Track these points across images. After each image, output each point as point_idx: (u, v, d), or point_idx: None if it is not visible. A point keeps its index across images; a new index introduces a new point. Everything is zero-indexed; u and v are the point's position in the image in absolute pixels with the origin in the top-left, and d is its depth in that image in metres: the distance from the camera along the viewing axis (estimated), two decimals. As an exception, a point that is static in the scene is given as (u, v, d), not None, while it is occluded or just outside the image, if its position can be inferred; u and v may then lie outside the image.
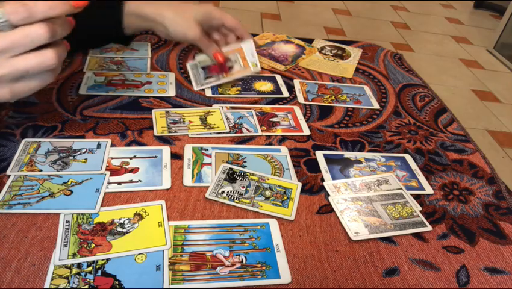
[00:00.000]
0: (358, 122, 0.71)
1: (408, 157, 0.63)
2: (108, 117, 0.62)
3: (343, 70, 0.86)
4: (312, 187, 0.55)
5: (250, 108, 0.69)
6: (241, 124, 0.65)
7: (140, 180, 0.52)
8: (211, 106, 0.68)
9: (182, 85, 0.73)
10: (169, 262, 0.43)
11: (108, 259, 0.42)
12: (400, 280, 0.45)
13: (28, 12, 0.42)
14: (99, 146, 0.56)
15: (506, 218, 0.55)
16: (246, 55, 0.76)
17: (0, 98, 0.45)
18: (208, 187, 0.52)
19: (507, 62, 2.03)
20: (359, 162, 0.61)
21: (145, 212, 0.48)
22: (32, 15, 0.42)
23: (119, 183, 0.51)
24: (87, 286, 0.39)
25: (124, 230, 0.45)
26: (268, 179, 0.55)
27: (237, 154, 0.58)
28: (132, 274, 0.41)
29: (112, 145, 0.57)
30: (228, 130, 0.63)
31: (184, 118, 0.64)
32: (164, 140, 0.59)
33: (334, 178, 0.57)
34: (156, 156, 0.56)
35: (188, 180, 0.53)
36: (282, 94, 0.75)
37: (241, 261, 0.44)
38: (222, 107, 0.68)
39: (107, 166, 0.53)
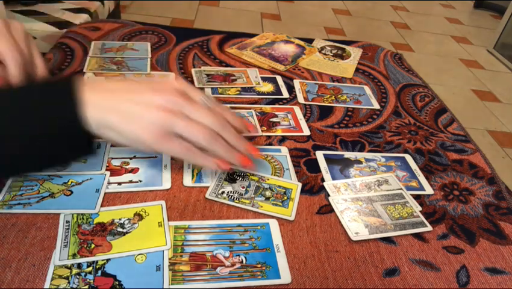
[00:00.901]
0: (358, 122, 0.71)
1: (408, 157, 0.63)
2: (108, 117, 0.62)
3: (343, 70, 0.86)
4: (312, 187, 0.55)
5: (250, 108, 0.69)
6: (241, 124, 0.65)
7: (140, 181, 0.52)
8: (211, 106, 0.68)
9: (182, 85, 0.73)
10: (169, 262, 0.43)
11: (108, 260, 0.42)
12: (400, 280, 0.45)
13: (215, 104, 0.50)
14: (99, 146, 0.56)
15: (506, 218, 0.55)
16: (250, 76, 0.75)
17: (148, 138, 0.46)
18: (208, 187, 0.52)
19: (507, 62, 2.03)
20: (359, 162, 0.61)
21: (145, 212, 0.48)
22: (217, 109, 0.50)
23: (119, 184, 0.51)
24: (87, 287, 0.39)
25: (125, 231, 0.45)
26: (268, 179, 0.55)
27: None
28: (132, 274, 0.41)
29: (112, 145, 0.57)
30: (228, 130, 0.63)
31: (184, 119, 0.64)
32: (164, 140, 0.59)
33: (334, 178, 0.57)
34: (156, 157, 0.56)
35: (188, 181, 0.53)
36: (282, 94, 0.75)
37: (241, 261, 0.44)
38: (222, 107, 0.68)
39: (107, 166, 0.53)
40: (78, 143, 0.45)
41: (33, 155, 0.44)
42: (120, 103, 0.45)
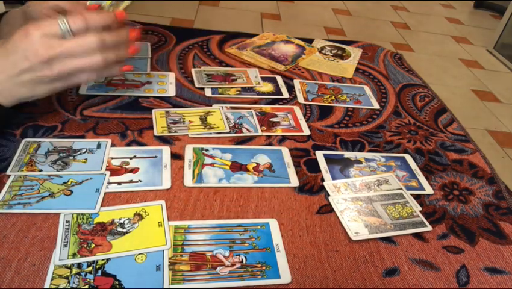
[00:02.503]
0: (358, 122, 0.71)
1: (408, 157, 0.63)
2: (108, 117, 0.62)
3: (343, 70, 0.86)
4: (312, 187, 0.55)
5: (250, 108, 0.69)
6: (241, 124, 0.65)
7: (140, 180, 0.52)
8: (211, 106, 0.68)
9: (182, 85, 0.73)
10: (169, 262, 0.43)
11: (108, 259, 0.42)
12: (400, 280, 0.45)
13: (83, 22, 0.51)
14: (99, 146, 0.56)
15: (506, 218, 0.55)
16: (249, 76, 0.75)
17: (38, 95, 0.53)
18: (208, 187, 0.52)
19: (507, 62, 2.03)
20: (359, 162, 0.61)
21: (145, 212, 0.48)
22: (88, 24, 0.51)
23: (119, 183, 0.51)
24: (87, 286, 0.39)
25: (125, 230, 0.45)
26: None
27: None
28: (132, 274, 0.41)
29: (112, 145, 0.57)
30: (228, 130, 0.63)
31: (184, 118, 0.64)
32: (164, 140, 0.59)
33: (334, 178, 0.57)
34: (156, 156, 0.56)
35: (188, 181, 0.53)
36: (282, 94, 0.75)
37: (241, 261, 0.44)
38: (222, 107, 0.68)
39: (107, 166, 0.53)
40: None
41: None
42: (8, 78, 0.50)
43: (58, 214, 0.46)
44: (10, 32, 0.60)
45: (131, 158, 0.55)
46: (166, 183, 0.52)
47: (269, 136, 0.63)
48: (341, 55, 0.92)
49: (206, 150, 0.58)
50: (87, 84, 0.68)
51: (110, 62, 0.54)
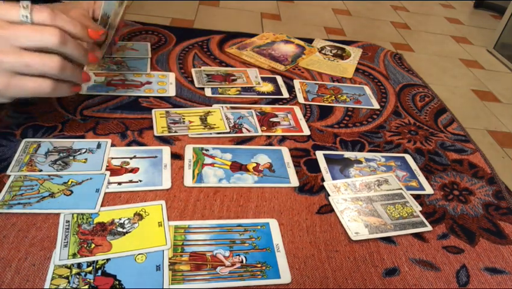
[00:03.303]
0: (358, 122, 0.71)
1: (408, 157, 0.63)
2: (108, 117, 0.62)
3: (343, 70, 0.86)
4: (312, 187, 0.55)
5: (250, 108, 0.69)
6: (241, 124, 0.65)
7: (140, 180, 0.52)
8: (211, 106, 0.68)
9: (182, 85, 0.73)
10: (169, 262, 0.43)
11: (108, 259, 0.42)
12: (400, 280, 0.45)
13: (50, 16, 0.46)
14: (99, 146, 0.56)
15: (506, 218, 0.55)
16: None
17: None
18: (208, 187, 0.52)
19: (507, 62, 2.03)
20: (359, 162, 0.61)
21: (145, 212, 0.48)
22: (53, 20, 0.46)
23: (119, 183, 0.51)
24: (87, 286, 0.39)
25: (125, 230, 0.45)
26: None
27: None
28: (132, 274, 0.41)
29: (112, 145, 0.57)
30: (228, 130, 0.63)
31: (184, 118, 0.64)
32: (164, 140, 0.59)
33: (334, 178, 0.57)
34: (156, 156, 0.56)
35: (189, 181, 0.53)
36: (282, 94, 0.75)
37: (241, 261, 0.44)
38: (222, 107, 0.68)
39: (107, 166, 0.53)
40: None
41: None
42: None
43: (58, 214, 0.46)
44: None
45: (131, 158, 0.55)
46: (166, 183, 0.52)
47: (269, 136, 0.63)
48: (341, 55, 0.92)
49: (206, 150, 0.58)
50: (86, 86, 0.68)
51: (57, 87, 0.48)
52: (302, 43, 0.94)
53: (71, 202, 0.47)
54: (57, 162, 0.52)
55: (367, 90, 0.80)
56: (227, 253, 0.45)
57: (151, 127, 0.61)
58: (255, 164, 0.57)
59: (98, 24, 0.61)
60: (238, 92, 0.73)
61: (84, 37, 0.50)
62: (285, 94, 0.75)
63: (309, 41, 0.96)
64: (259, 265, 0.44)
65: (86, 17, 0.60)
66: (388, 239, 0.49)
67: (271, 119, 0.67)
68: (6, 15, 0.44)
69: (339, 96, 0.77)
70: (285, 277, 0.43)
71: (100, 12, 0.62)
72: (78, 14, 0.60)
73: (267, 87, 0.76)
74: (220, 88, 0.73)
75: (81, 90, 0.53)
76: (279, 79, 0.79)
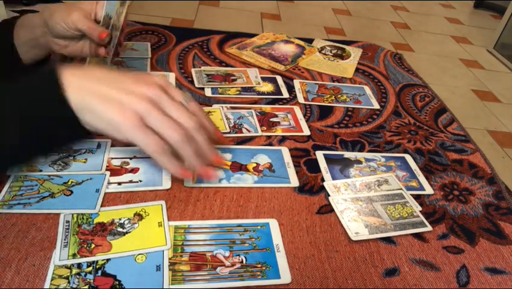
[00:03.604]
0: (358, 122, 0.71)
1: (408, 157, 0.63)
2: (108, 117, 0.62)
3: (343, 70, 0.86)
4: (312, 187, 0.55)
5: (250, 108, 0.69)
6: (241, 124, 0.65)
7: (140, 181, 0.52)
8: (211, 106, 0.68)
9: (182, 85, 0.73)
10: (169, 262, 0.43)
11: (108, 259, 0.42)
12: (400, 280, 0.45)
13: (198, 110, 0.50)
14: (99, 146, 0.56)
15: (506, 218, 0.55)
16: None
17: (127, 124, 0.44)
18: (208, 188, 0.52)
19: (507, 62, 2.03)
20: (359, 162, 0.61)
21: (145, 212, 0.48)
22: (196, 114, 0.49)
23: (119, 184, 0.51)
24: (87, 287, 0.39)
25: (125, 231, 0.45)
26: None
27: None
28: (132, 274, 0.41)
29: (112, 145, 0.57)
30: (228, 130, 0.63)
31: (184, 118, 0.64)
32: (164, 140, 0.59)
33: (334, 178, 0.57)
34: (156, 156, 0.56)
35: (188, 181, 0.53)
36: (282, 94, 0.75)
37: (241, 261, 0.44)
38: (222, 107, 0.68)
39: (107, 166, 0.53)
40: (64, 124, 0.45)
41: (27, 141, 0.44)
42: (100, 87, 0.45)
43: (58, 214, 0.46)
44: (28, 36, 0.61)
45: (130, 158, 0.55)
46: (166, 184, 0.52)
47: (269, 137, 0.63)
48: (341, 55, 0.92)
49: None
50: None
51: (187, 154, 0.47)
52: (302, 43, 0.94)
53: (71, 202, 0.47)
54: (57, 162, 0.52)
55: (367, 90, 0.80)
56: (227, 253, 0.45)
57: (151, 128, 0.61)
58: (255, 164, 0.57)
59: (101, 26, 0.61)
60: (238, 92, 0.73)
61: (209, 133, 0.51)
62: (285, 94, 0.75)
63: (309, 41, 0.96)
64: (259, 266, 0.44)
65: (88, 19, 0.60)
66: (388, 240, 0.49)
67: (271, 119, 0.67)
68: (172, 91, 0.48)
69: (339, 96, 0.77)
70: (285, 277, 0.43)
71: (103, 13, 0.62)
72: (80, 15, 0.60)
73: (267, 87, 0.76)
74: (220, 88, 0.73)
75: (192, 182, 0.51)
76: (279, 79, 0.79)
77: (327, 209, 0.52)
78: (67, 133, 0.46)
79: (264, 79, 0.78)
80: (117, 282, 0.40)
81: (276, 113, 0.69)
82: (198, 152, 0.48)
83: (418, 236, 0.51)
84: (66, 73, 0.44)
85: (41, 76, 0.45)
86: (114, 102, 0.44)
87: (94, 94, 0.44)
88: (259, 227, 0.48)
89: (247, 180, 0.55)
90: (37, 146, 0.45)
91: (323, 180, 0.57)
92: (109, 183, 0.51)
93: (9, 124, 0.42)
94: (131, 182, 0.51)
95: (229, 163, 0.57)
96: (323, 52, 0.92)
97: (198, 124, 0.48)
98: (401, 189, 0.56)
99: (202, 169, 0.49)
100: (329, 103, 0.74)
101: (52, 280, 0.40)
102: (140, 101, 0.45)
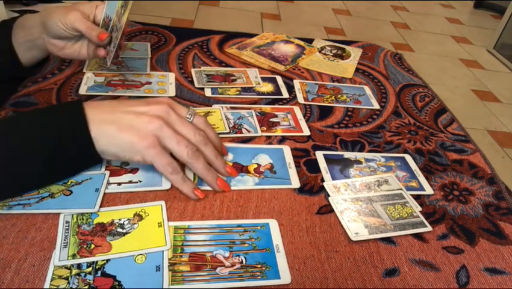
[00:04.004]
0: (358, 122, 0.71)
1: (408, 157, 0.63)
2: (108, 117, 0.62)
3: (343, 70, 0.86)
4: (312, 187, 0.55)
5: (250, 108, 0.69)
6: (241, 124, 0.65)
7: (140, 181, 0.52)
8: (211, 106, 0.68)
9: (182, 85, 0.73)
10: (169, 262, 0.43)
11: (107, 260, 0.42)
12: (400, 280, 0.45)
13: (205, 126, 0.53)
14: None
15: (506, 219, 0.55)
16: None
17: (146, 148, 0.48)
18: (208, 189, 0.52)
19: (507, 62, 2.03)
20: (359, 162, 0.61)
21: (145, 212, 0.48)
22: (204, 130, 0.53)
23: (119, 184, 0.51)
24: (86, 287, 0.39)
25: (124, 231, 0.45)
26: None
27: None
28: (132, 274, 0.41)
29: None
30: (228, 130, 0.63)
31: (183, 119, 0.64)
32: (163, 140, 0.59)
33: (333, 178, 0.57)
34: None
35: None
36: (282, 95, 0.75)
37: (241, 262, 0.44)
38: (222, 107, 0.68)
39: (107, 166, 0.53)
40: (86, 160, 0.49)
41: (50, 172, 0.48)
42: (115, 114, 0.48)
43: (58, 215, 0.46)
44: (26, 36, 0.61)
45: (130, 159, 0.55)
46: (166, 184, 0.52)
47: (269, 137, 0.63)
48: (341, 55, 0.92)
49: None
50: (86, 85, 0.68)
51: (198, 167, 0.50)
52: (302, 43, 0.94)
53: (70, 202, 0.47)
54: (57, 163, 0.52)
55: (367, 90, 0.80)
56: (227, 254, 0.45)
57: (151, 128, 0.61)
58: (256, 165, 0.57)
59: (100, 27, 0.61)
60: (238, 92, 0.73)
61: (217, 147, 0.54)
62: (285, 94, 0.75)
63: (309, 41, 0.96)
64: (259, 266, 0.44)
65: (86, 20, 0.60)
66: (388, 240, 0.49)
67: (271, 119, 0.67)
68: (178, 109, 0.52)
69: (339, 96, 0.77)
70: (285, 277, 0.43)
71: (102, 15, 0.62)
72: (78, 15, 0.60)
73: (267, 87, 0.76)
74: (220, 88, 0.73)
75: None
76: (279, 79, 0.79)
77: (327, 209, 0.52)
78: (86, 166, 0.51)
79: (264, 79, 0.78)
80: (116, 283, 0.40)
81: (276, 113, 0.69)
82: (208, 166, 0.51)
83: (418, 236, 0.51)
84: (87, 108, 0.47)
85: (67, 112, 0.48)
86: (128, 125, 0.47)
87: (110, 121, 0.47)
88: (259, 227, 0.48)
89: (248, 182, 0.54)
90: (53, 177, 0.49)
91: (323, 180, 0.57)
92: (108, 183, 0.51)
93: (33, 159, 0.45)
94: (130, 182, 0.51)
95: (231, 164, 0.57)
96: (323, 52, 0.92)
97: (205, 139, 0.51)
98: (401, 189, 0.56)
99: (219, 183, 0.52)
100: (329, 103, 0.74)
101: (51, 280, 0.40)
102: (151, 120, 0.48)
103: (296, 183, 0.55)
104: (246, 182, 0.54)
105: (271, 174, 0.56)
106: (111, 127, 0.47)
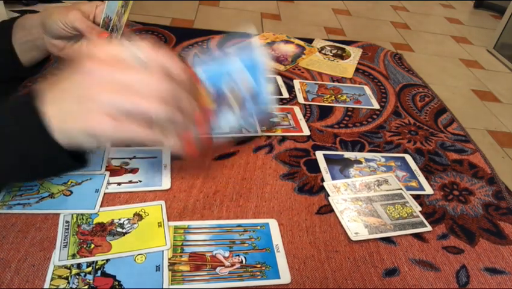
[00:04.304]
0: (358, 122, 0.71)
1: (408, 157, 0.63)
2: (108, 117, 0.62)
3: (343, 70, 0.86)
4: (312, 187, 0.55)
5: (250, 108, 0.69)
6: (241, 124, 0.64)
7: (140, 181, 0.52)
8: (211, 106, 0.68)
9: (182, 85, 0.73)
10: (169, 262, 0.43)
11: (107, 260, 0.42)
12: (400, 280, 0.45)
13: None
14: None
15: (506, 219, 0.55)
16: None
17: (103, 128, 0.39)
18: (208, 188, 0.52)
19: (507, 62, 2.03)
20: (359, 162, 0.61)
21: (145, 212, 0.48)
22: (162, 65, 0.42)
23: (119, 184, 0.51)
24: (86, 287, 0.39)
25: (124, 231, 0.45)
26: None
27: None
28: (132, 274, 0.41)
29: (112, 145, 0.57)
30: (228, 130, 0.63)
31: (183, 119, 0.64)
32: (163, 140, 0.59)
33: (333, 178, 0.57)
34: (156, 157, 0.56)
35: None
36: (282, 94, 0.75)
37: (241, 261, 0.44)
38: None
39: (107, 166, 0.53)
40: (56, 156, 0.41)
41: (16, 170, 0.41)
42: (70, 106, 0.40)
43: (58, 215, 0.46)
44: (26, 36, 0.61)
45: (130, 159, 0.55)
46: (166, 184, 0.52)
47: (269, 137, 0.63)
48: (341, 55, 0.92)
49: (206, 150, 0.58)
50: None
51: (174, 122, 0.40)
52: (302, 43, 0.94)
53: (71, 202, 0.47)
54: (57, 163, 0.52)
55: (367, 90, 0.80)
56: (226, 254, 0.45)
57: (151, 128, 0.61)
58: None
59: (100, 27, 0.61)
60: (238, 92, 0.73)
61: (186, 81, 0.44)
62: (285, 94, 0.75)
63: (309, 41, 0.96)
64: (258, 266, 0.44)
65: (85, 19, 0.60)
66: (388, 240, 0.49)
67: (271, 119, 0.67)
68: (121, 55, 0.41)
69: (339, 96, 0.77)
70: (285, 277, 0.43)
71: (103, 15, 0.62)
72: (77, 15, 0.60)
73: (267, 87, 0.76)
74: (219, 88, 0.73)
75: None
76: (279, 79, 0.79)
77: (327, 209, 0.52)
78: (57, 165, 0.43)
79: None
80: (116, 282, 0.40)
81: (276, 113, 0.69)
82: (188, 118, 0.41)
83: (418, 236, 0.50)
84: (44, 102, 0.40)
85: (24, 112, 0.40)
86: (84, 115, 0.39)
87: (69, 117, 0.40)
88: (258, 227, 0.48)
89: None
90: (26, 175, 0.44)
91: (322, 180, 0.57)
92: (108, 183, 0.51)
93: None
94: (130, 182, 0.51)
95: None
96: (323, 52, 0.92)
97: (169, 84, 0.41)
98: (401, 189, 0.56)
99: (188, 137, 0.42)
100: (329, 103, 0.74)
101: (51, 280, 0.40)
102: (102, 99, 0.39)
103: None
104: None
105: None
106: (71, 124, 0.39)
